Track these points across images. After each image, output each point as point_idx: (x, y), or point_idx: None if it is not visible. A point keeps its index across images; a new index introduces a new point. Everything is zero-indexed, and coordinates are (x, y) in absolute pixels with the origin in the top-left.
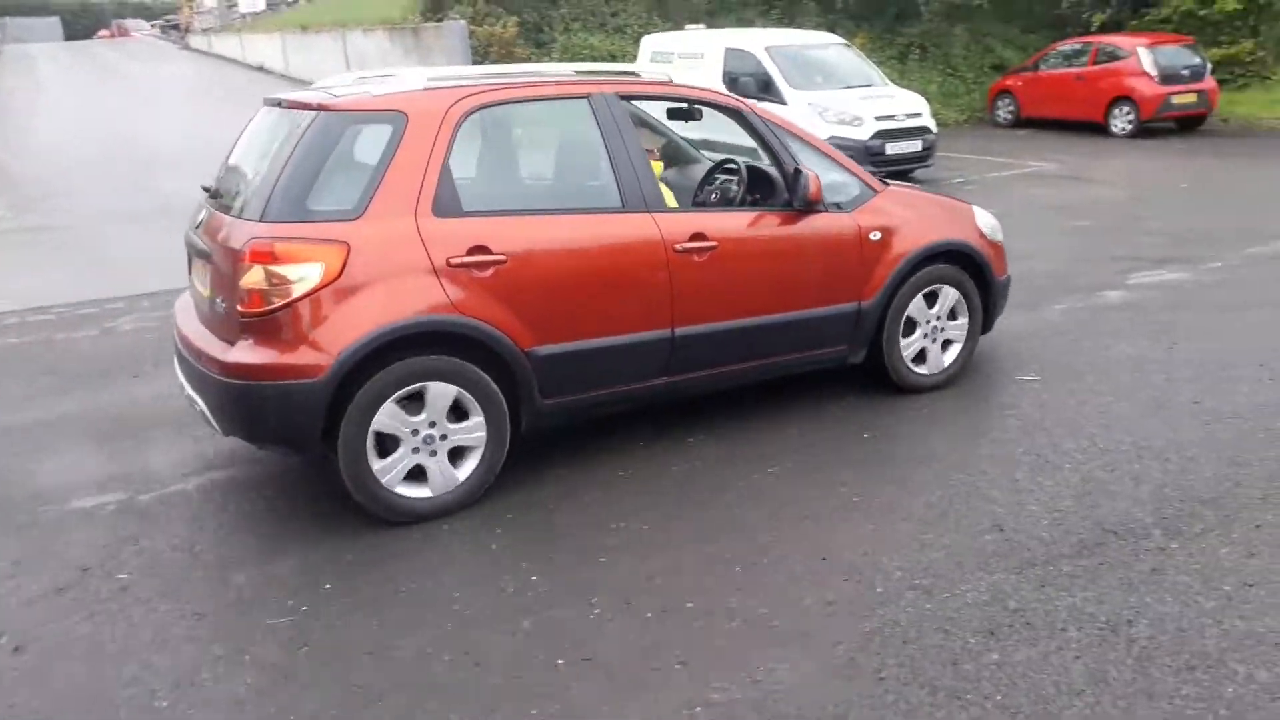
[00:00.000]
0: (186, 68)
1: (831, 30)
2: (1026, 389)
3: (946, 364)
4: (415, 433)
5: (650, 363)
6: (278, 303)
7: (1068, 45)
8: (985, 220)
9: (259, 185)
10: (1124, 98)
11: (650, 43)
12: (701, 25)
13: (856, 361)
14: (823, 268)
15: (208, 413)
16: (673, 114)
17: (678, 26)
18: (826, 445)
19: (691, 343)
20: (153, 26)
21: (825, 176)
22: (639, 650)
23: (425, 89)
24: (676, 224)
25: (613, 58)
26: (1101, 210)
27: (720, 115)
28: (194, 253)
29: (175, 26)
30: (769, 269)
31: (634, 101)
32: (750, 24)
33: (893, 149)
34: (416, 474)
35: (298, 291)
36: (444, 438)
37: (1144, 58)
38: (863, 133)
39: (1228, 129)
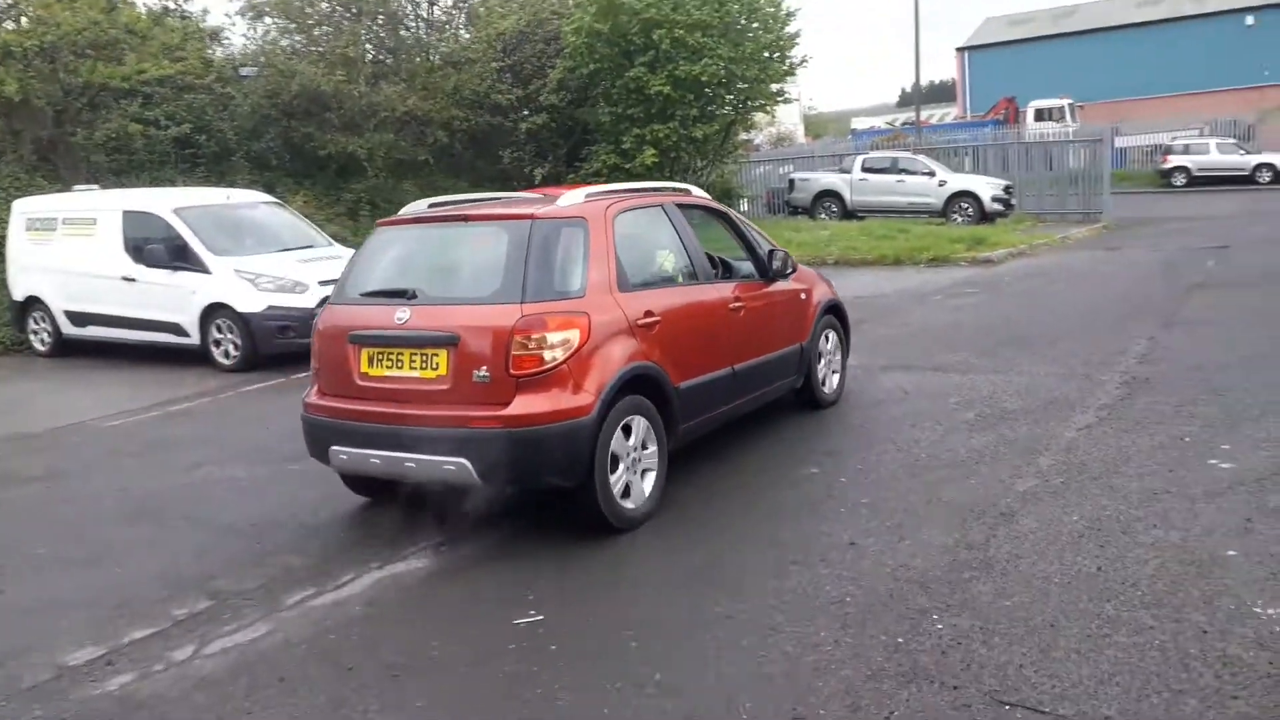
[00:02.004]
0: None
1: (270, 190)
2: None
3: (836, 385)
4: (628, 456)
5: (725, 393)
6: (550, 363)
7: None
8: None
9: (500, 276)
10: None
11: (25, 207)
12: (95, 186)
13: (798, 387)
14: (786, 317)
15: (471, 473)
16: None
17: (67, 187)
18: None
19: (740, 376)
20: None
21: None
22: None
23: (587, 200)
24: (724, 290)
25: None
26: None
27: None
28: (396, 343)
29: None
30: (767, 319)
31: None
32: (171, 184)
33: None
34: (623, 492)
35: (564, 353)
36: (637, 461)
37: None
38: (308, 299)
39: None
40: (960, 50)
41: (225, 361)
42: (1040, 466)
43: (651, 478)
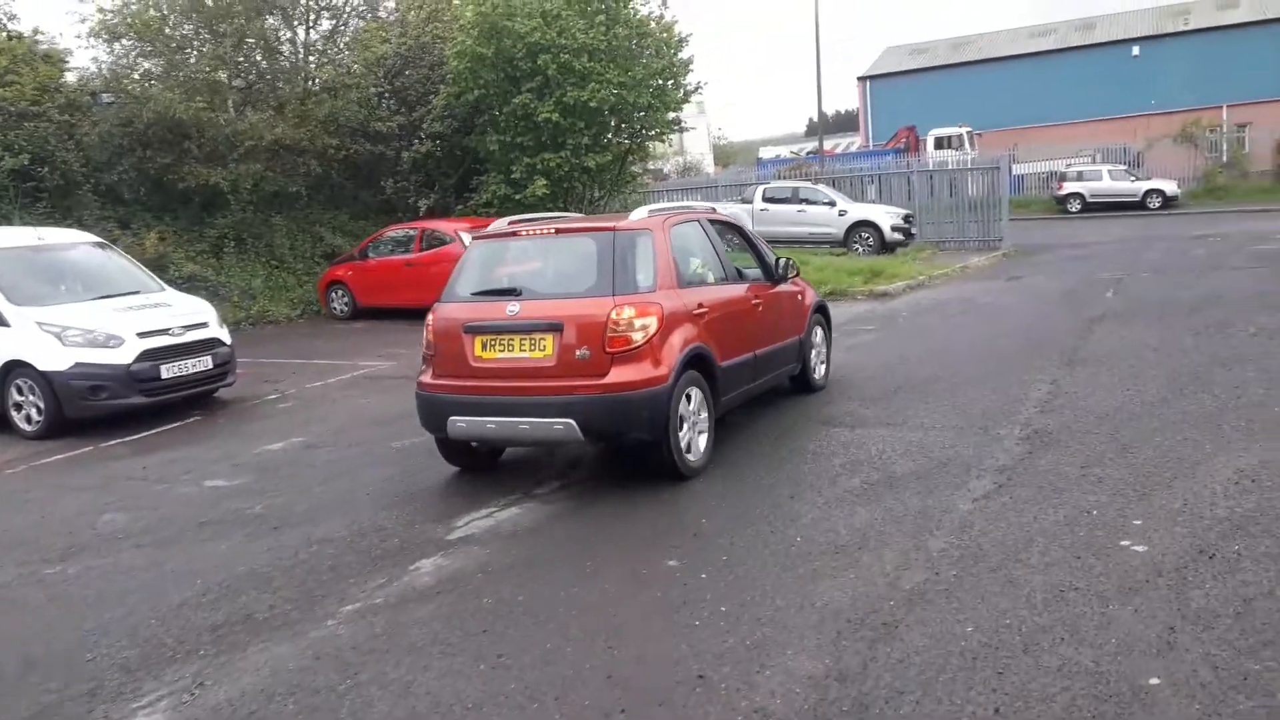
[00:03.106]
0: None
1: (125, 226)
2: None
3: (825, 368)
4: (690, 418)
5: (750, 373)
6: (638, 341)
7: (394, 231)
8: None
9: (594, 275)
10: None
11: None
12: None
13: (795, 374)
14: (789, 314)
15: (576, 430)
16: None
17: None
18: None
19: (759, 361)
20: None
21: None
22: None
23: (649, 215)
24: (747, 289)
25: None
26: None
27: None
28: (508, 330)
29: None
30: (776, 314)
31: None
32: (7, 221)
33: (172, 371)
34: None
35: (647, 334)
36: (695, 424)
37: (467, 241)
38: (123, 355)
39: None
40: (861, 79)
41: (27, 428)
42: (930, 552)
43: (704, 438)
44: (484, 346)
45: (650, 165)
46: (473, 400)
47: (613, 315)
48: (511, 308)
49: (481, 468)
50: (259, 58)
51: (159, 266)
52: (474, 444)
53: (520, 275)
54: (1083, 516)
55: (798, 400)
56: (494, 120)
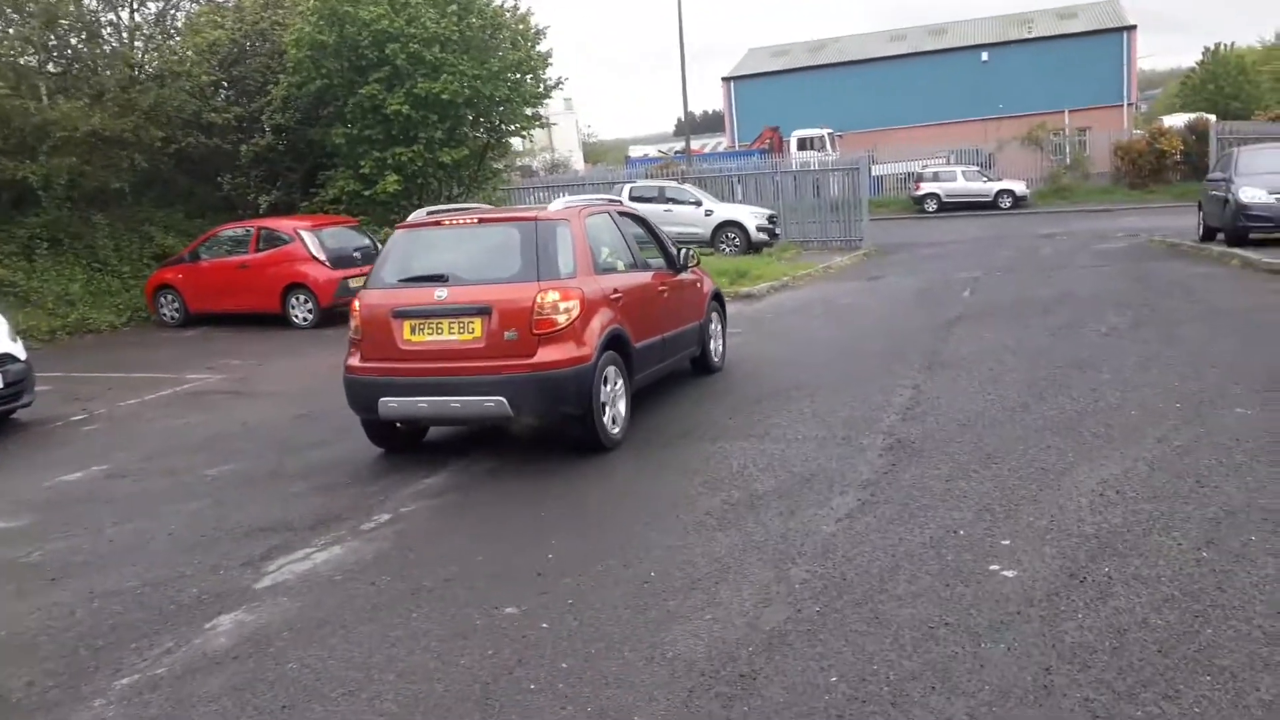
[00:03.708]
0: None
1: None
2: None
3: (721, 351)
4: (609, 394)
5: (659, 354)
6: (562, 323)
7: (228, 230)
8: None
9: (518, 262)
10: (299, 285)
11: None
12: None
13: (696, 355)
14: (691, 301)
15: (507, 407)
16: None
17: None
18: None
19: (667, 343)
20: None
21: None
22: None
23: (565, 207)
24: (653, 276)
25: None
26: (252, 446)
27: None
28: (436, 314)
29: None
30: (680, 300)
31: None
32: None
33: None
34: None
35: (570, 317)
36: (614, 399)
37: (309, 241)
38: None
39: None
40: (726, 80)
41: None
42: (793, 584)
43: (623, 412)
44: (413, 330)
45: (519, 162)
46: (403, 382)
47: (538, 299)
48: (440, 293)
49: (405, 448)
50: (74, 41)
51: None
52: (399, 424)
53: (445, 262)
54: (949, 537)
55: (657, 411)
56: (340, 112)
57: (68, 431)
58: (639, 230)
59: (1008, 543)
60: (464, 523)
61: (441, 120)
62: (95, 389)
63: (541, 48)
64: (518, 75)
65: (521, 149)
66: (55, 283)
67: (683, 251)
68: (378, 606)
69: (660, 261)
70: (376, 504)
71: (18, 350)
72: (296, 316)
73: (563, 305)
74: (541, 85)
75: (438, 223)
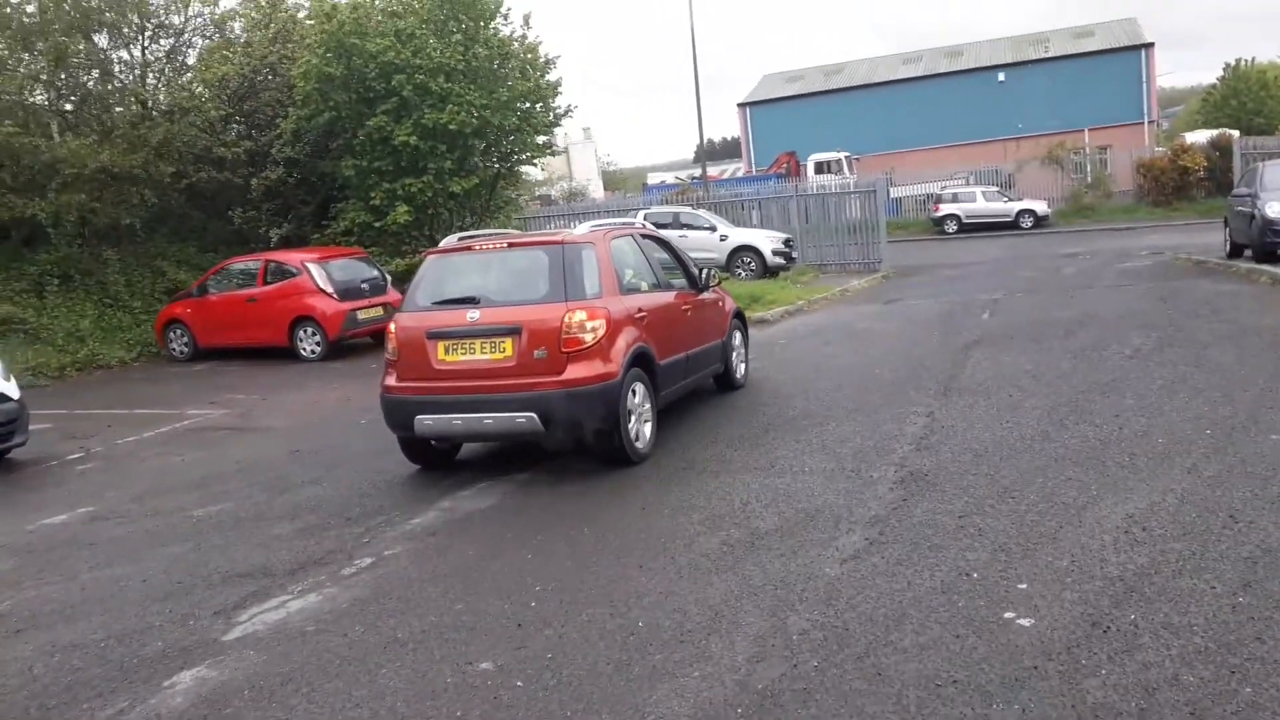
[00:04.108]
0: None
1: None
2: None
3: (744, 366)
4: (636, 410)
5: (683, 371)
6: (589, 341)
7: (236, 264)
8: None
9: (546, 284)
10: (306, 317)
11: None
12: None
13: (719, 373)
14: (713, 319)
15: (538, 422)
16: None
17: None
18: None
19: (690, 360)
20: None
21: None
22: None
23: (591, 230)
24: (676, 296)
25: None
26: (243, 486)
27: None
28: (469, 335)
29: None
30: (702, 319)
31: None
32: None
33: None
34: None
35: (597, 335)
36: (641, 415)
37: (316, 274)
38: None
39: None
40: (742, 106)
41: None
42: (790, 635)
43: (649, 428)
44: (446, 350)
45: (538, 191)
46: (437, 400)
47: (566, 319)
48: (472, 314)
49: (440, 466)
50: (84, 78)
51: None
52: (434, 441)
53: (476, 285)
54: (962, 581)
55: (658, 443)
56: (349, 144)
57: (62, 471)
58: (661, 252)
59: (1024, 586)
60: (448, 566)
61: (450, 150)
62: (96, 426)
63: (551, 77)
64: (527, 104)
65: (541, 178)
66: (66, 319)
67: (704, 272)
68: (346, 661)
69: (683, 282)
70: (360, 546)
71: (10, 389)
72: (304, 349)
73: (590, 324)
74: (551, 114)
75: (469, 248)
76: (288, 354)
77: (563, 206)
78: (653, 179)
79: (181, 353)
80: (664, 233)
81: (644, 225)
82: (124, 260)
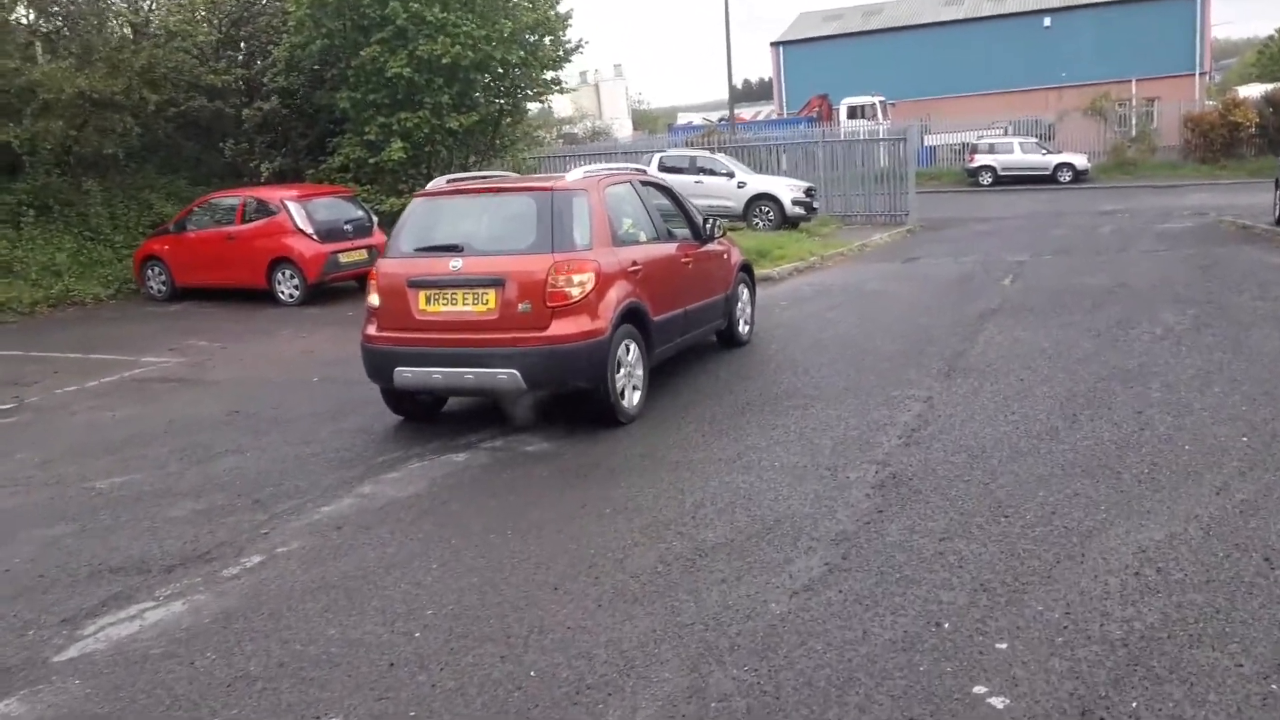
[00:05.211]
0: None
1: None
2: None
3: (749, 323)
4: (626, 368)
5: (680, 327)
6: (576, 296)
7: (216, 199)
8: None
9: (533, 233)
10: (284, 259)
11: None
12: None
13: (722, 329)
14: (717, 273)
15: (520, 380)
16: None
17: None
18: None
19: (689, 316)
20: None
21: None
22: None
23: (584, 176)
24: (677, 248)
25: None
26: (163, 451)
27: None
28: (451, 285)
29: None
30: (705, 272)
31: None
32: None
33: None
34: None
35: (585, 290)
36: (631, 373)
37: (295, 212)
38: None
39: None
40: (775, 45)
41: None
42: (707, 700)
43: (641, 386)
44: (428, 300)
45: (564, 129)
46: (418, 351)
47: (552, 272)
48: (454, 263)
49: (424, 417)
50: None
51: None
52: (417, 395)
53: (461, 232)
54: (929, 633)
55: (614, 428)
56: (344, 75)
57: None
58: (663, 200)
59: (1004, 646)
60: (339, 574)
61: (449, 84)
62: (44, 371)
63: (562, 8)
64: (534, 38)
65: (572, 115)
66: (41, 252)
67: (709, 222)
68: (178, 702)
69: (686, 232)
70: (255, 539)
71: None
72: (283, 293)
73: (577, 278)
74: (561, 49)
75: (454, 191)
76: (267, 296)
77: (573, 147)
78: (682, 119)
79: (159, 291)
80: (679, 178)
81: (645, 171)
82: (108, 191)
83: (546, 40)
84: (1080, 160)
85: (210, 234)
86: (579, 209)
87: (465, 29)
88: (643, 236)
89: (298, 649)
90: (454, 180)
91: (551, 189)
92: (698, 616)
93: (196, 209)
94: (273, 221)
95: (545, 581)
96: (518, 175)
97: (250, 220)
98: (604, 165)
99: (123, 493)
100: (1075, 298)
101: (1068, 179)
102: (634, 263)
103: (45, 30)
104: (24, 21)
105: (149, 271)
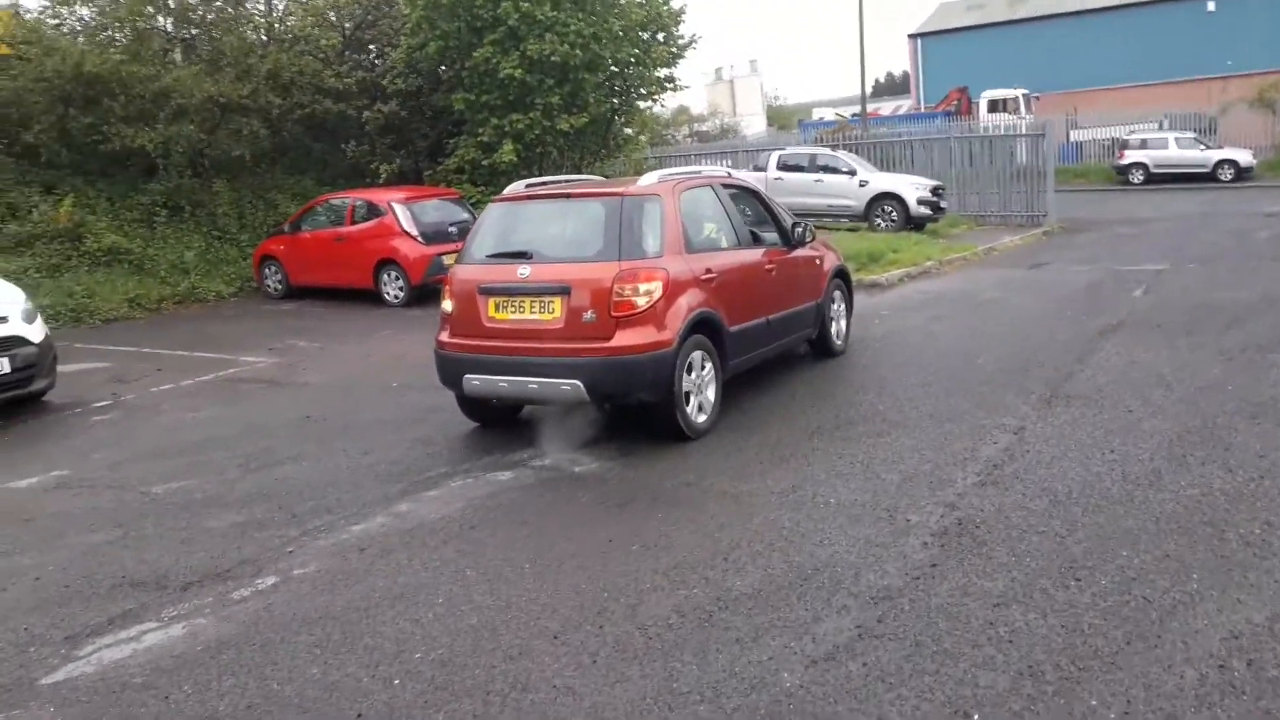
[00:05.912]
0: None
1: (49, 190)
2: None
3: (844, 332)
4: (695, 381)
5: (761, 338)
6: (643, 305)
7: (330, 200)
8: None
9: (600, 240)
10: (390, 260)
11: None
12: None
13: (813, 338)
14: (806, 279)
15: (583, 391)
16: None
17: None
18: None
19: (773, 326)
20: None
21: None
22: None
23: (660, 181)
24: (759, 254)
25: None
26: (230, 455)
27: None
28: (519, 293)
29: None
30: (792, 279)
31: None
32: None
33: None
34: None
35: (651, 299)
36: (702, 387)
37: (401, 214)
38: None
39: None
40: (913, 37)
41: None
42: None
43: (712, 401)
44: (497, 308)
45: (697, 127)
46: (486, 360)
47: (617, 280)
48: (523, 270)
49: (498, 422)
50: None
51: (76, 237)
52: (489, 402)
53: (532, 238)
54: None
55: (663, 447)
56: (459, 76)
57: (76, 422)
58: (748, 204)
59: None
60: (343, 604)
61: (559, 85)
62: (148, 369)
63: (675, 4)
64: (646, 35)
65: (706, 113)
66: (171, 251)
67: (799, 226)
68: None
69: (774, 237)
70: (278, 558)
71: (33, 332)
72: (388, 294)
73: (643, 288)
74: (675, 45)
75: (529, 196)
76: (374, 297)
77: (704, 145)
78: (816, 114)
79: (275, 290)
80: (798, 176)
81: (729, 174)
82: (236, 192)
83: (660, 37)
84: (1244, 156)
85: (322, 234)
86: (650, 214)
87: (574, 27)
88: (724, 242)
89: (274, 688)
90: (532, 185)
91: (622, 194)
92: (697, 684)
93: (311, 210)
94: (380, 223)
95: (546, 628)
96: (601, 179)
97: (359, 222)
98: (683, 169)
99: (174, 499)
100: (1211, 314)
101: (1229, 177)
102: (708, 270)
103: (184, 38)
104: (167, 30)
105: (266, 270)
